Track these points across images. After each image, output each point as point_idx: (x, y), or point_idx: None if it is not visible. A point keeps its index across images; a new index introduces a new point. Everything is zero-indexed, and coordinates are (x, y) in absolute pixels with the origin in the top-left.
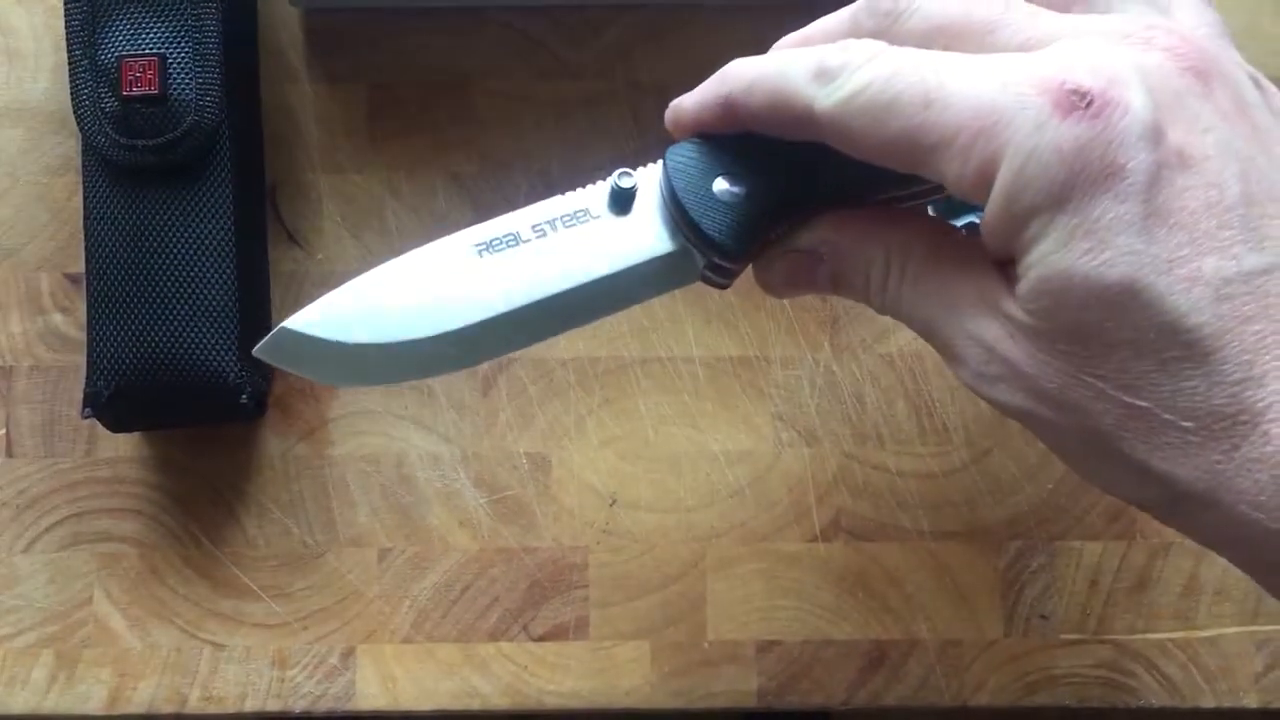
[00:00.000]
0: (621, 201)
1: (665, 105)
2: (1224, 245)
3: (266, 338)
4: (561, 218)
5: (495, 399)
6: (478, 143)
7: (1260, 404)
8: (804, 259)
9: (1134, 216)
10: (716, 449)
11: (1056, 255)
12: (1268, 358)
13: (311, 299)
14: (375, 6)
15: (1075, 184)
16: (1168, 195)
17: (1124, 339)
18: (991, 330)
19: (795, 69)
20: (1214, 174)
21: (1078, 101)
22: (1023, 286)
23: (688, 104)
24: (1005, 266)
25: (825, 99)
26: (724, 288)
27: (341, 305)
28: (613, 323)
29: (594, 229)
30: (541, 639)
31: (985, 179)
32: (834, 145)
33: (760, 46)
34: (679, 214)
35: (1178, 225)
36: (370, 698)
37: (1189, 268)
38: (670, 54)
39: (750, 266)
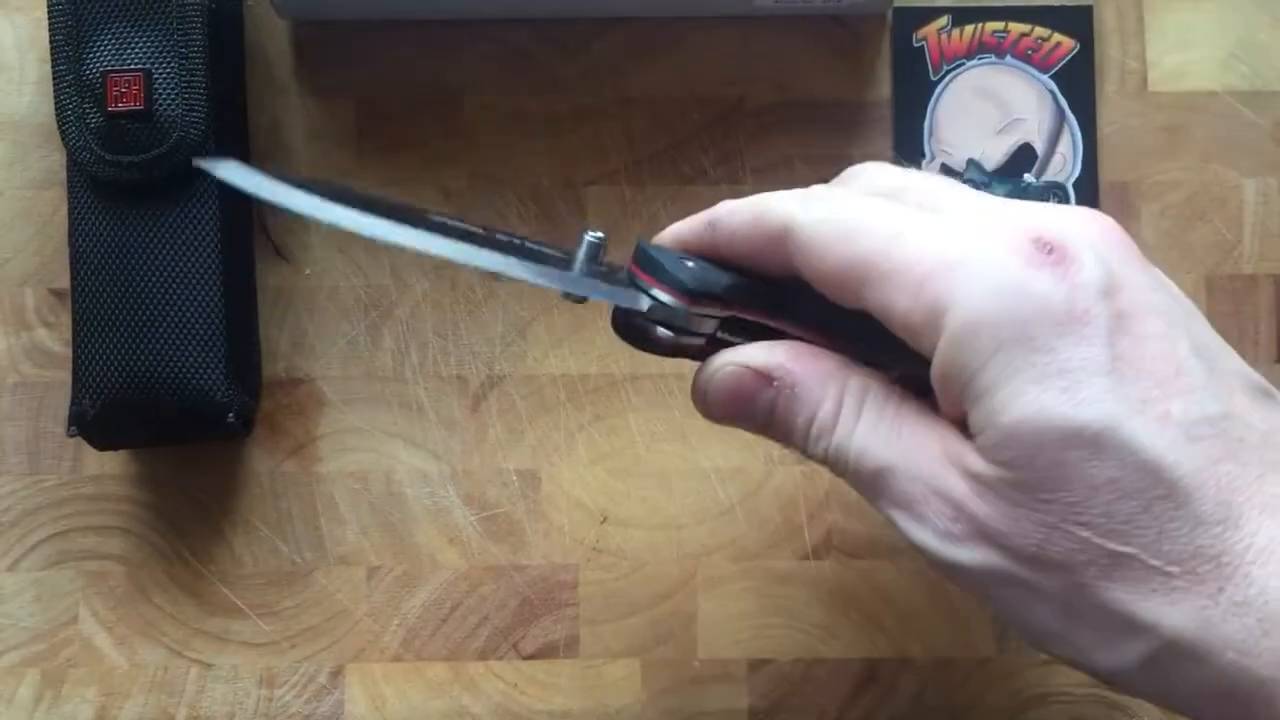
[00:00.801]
0: (592, 253)
1: (656, 119)
2: (1186, 390)
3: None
4: (529, 241)
5: (484, 415)
6: (467, 157)
7: (1240, 545)
8: (751, 378)
9: (1103, 359)
10: (707, 466)
11: (1028, 397)
12: (1240, 499)
13: (300, 315)
14: (364, 20)
15: (1042, 326)
16: (1129, 343)
17: (1107, 479)
18: (959, 487)
19: (781, 194)
20: (1164, 328)
21: (1042, 250)
22: (989, 436)
23: (670, 227)
24: (956, 423)
25: (804, 213)
26: (656, 346)
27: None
28: (603, 339)
29: (551, 258)
30: (531, 657)
31: (934, 315)
32: (800, 262)
33: (750, 60)
34: (639, 257)
35: (1143, 370)
36: (359, 717)
37: (1160, 408)
38: (661, 68)
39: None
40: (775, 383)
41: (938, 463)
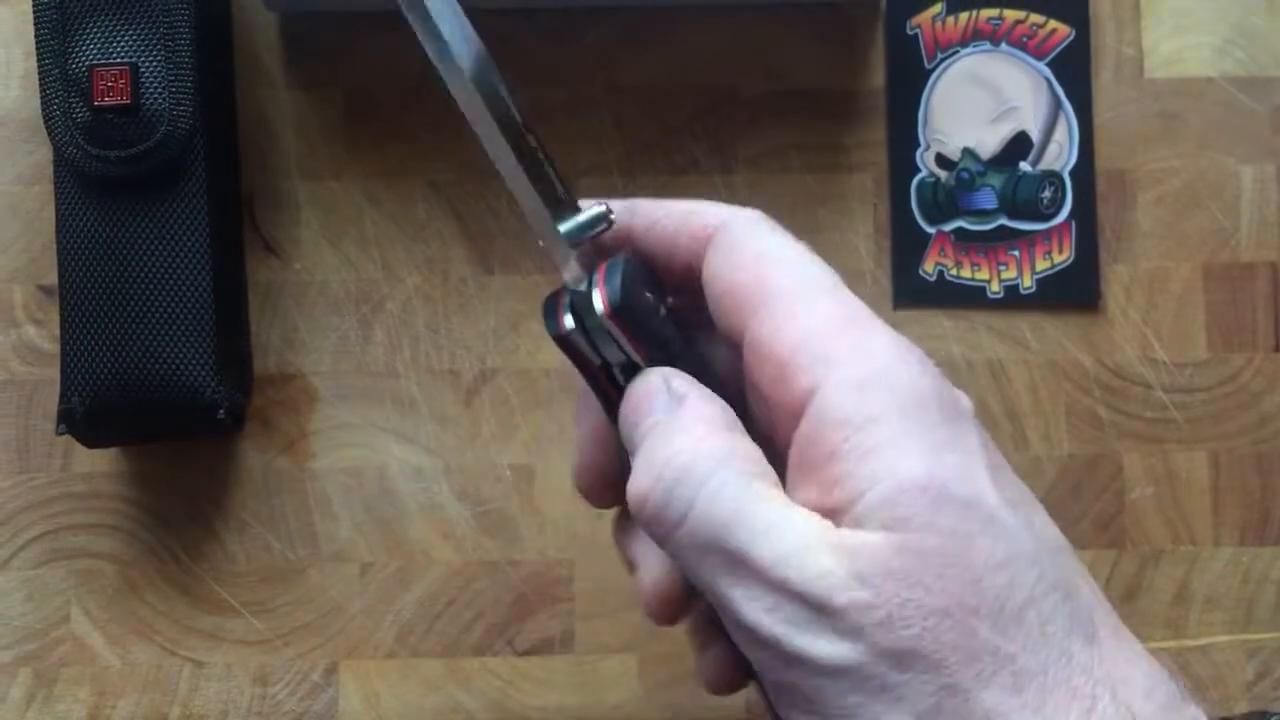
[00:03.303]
0: (590, 222)
1: (647, 108)
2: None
3: None
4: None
5: (478, 410)
6: (456, 149)
7: (1103, 668)
8: (656, 384)
9: (983, 460)
10: None
11: (928, 458)
12: (1099, 620)
13: (290, 310)
14: (352, 12)
15: (935, 407)
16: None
17: (1002, 559)
18: (830, 566)
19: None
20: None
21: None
22: (879, 493)
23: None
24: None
25: (741, 217)
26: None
27: None
28: None
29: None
30: (526, 653)
31: (822, 364)
32: (713, 264)
33: (743, 49)
34: (617, 260)
35: (1013, 484)
36: (353, 714)
37: (1041, 516)
38: (652, 57)
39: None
40: (670, 388)
41: (807, 537)
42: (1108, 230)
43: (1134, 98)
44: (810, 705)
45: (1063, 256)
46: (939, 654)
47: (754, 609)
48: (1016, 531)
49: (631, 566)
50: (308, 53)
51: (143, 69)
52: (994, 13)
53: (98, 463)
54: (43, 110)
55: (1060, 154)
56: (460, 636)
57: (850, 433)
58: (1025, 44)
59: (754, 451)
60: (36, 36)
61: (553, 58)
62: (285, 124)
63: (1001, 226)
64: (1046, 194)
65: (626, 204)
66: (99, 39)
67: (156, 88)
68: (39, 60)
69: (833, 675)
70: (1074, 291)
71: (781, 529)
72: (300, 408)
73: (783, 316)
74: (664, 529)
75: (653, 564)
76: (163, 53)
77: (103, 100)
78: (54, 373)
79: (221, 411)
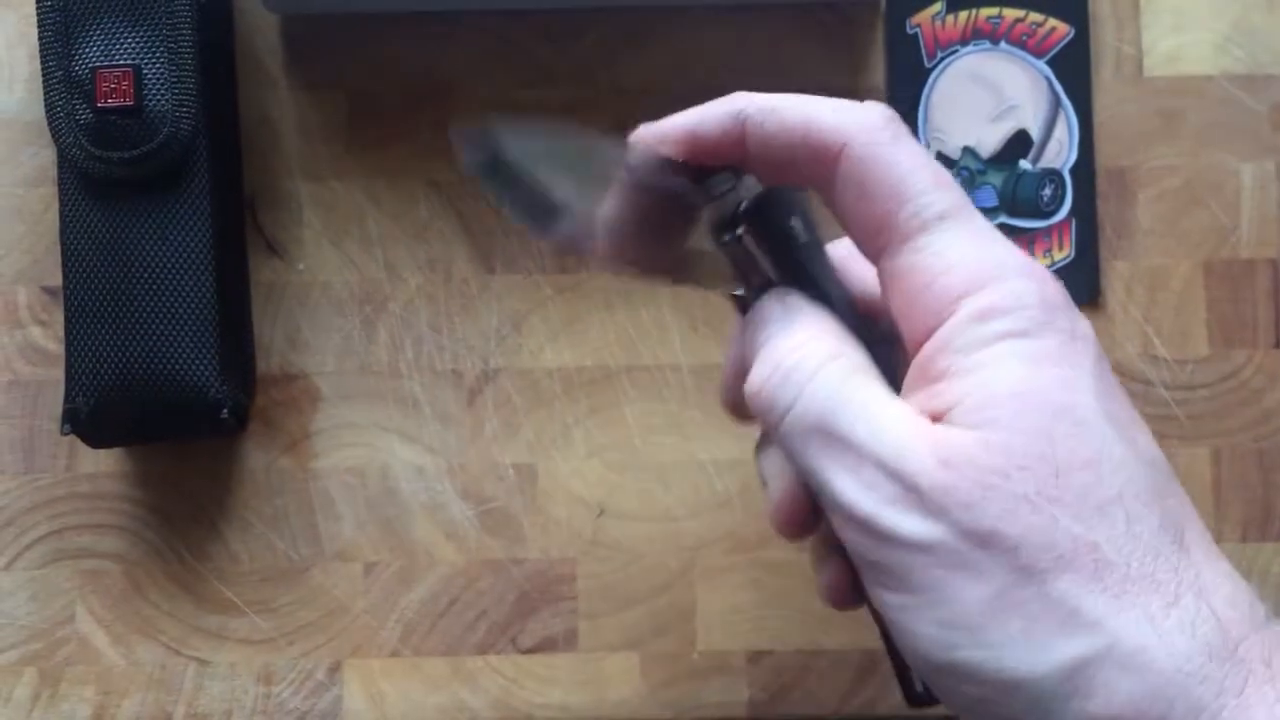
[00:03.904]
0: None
1: (648, 110)
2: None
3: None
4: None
5: (480, 409)
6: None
7: (1191, 571)
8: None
9: (1091, 376)
10: (705, 458)
11: (1025, 371)
12: (1185, 529)
13: (293, 310)
14: (354, 13)
15: (1054, 325)
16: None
17: (1089, 457)
18: (922, 451)
19: (830, 104)
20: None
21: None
22: (975, 398)
23: (681, 117)
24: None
25: (876, 137)
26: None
27: None
28: (599, 331)
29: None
30: (530, 651)
31: (957, 292)
32: (847, 190)
33: (743, 49)
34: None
35: (1124, 404)
36: (357, 713)
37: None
38: (653, 58)
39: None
40: (785, 304)
41: (901, 424)
42: (1108, 228)
43: (1134, 96)
44: (898, 582)
45: (1063, 254)
46: (1017, 537)
47: (850, 486)
48: (1108, 437)
49: (764, 482)
50: (309, 54)
51: (146, 71)
52: (993, 11)
53: (102, 463)
54: (46, 112)
55: (1060, 152)
56: (464, 635)
57: (962, 358)
58: (1025, 42)
59: (860, 357)
60: (40, 39)
61: (553, 59)
62: (287, 125)
63: (1002, 224)
64: (1047, 192)
65: (729, 111)
66: (102, 41)
67: (159, 89)
68: (42, 62)
69: (918, 551)
70: (1074, 289)
71: (879, 416)
72: (303, 408)
73: (909, 252)
74: (775, 416)
75: (780, 479)
76: (165, 55)
77: (106, 102)
78: (58, 373)
79: (225, 411)
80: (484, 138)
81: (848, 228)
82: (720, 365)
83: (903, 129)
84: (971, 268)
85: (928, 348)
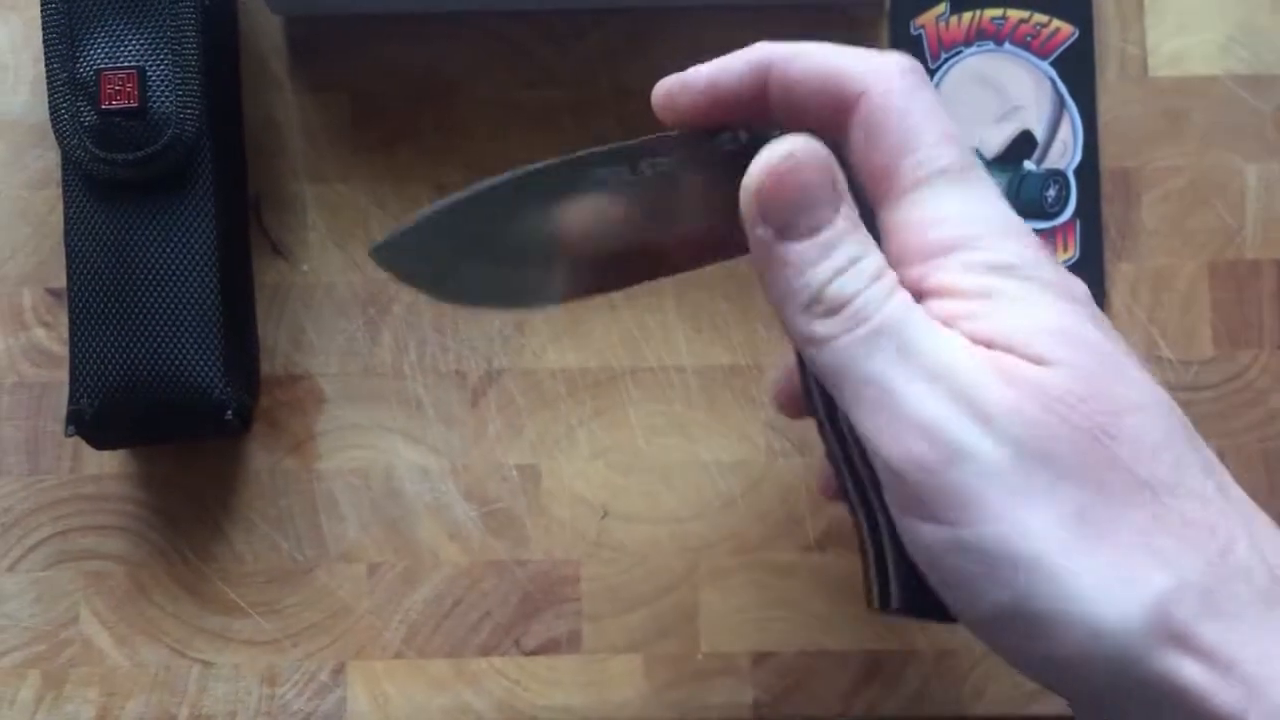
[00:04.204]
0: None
1: (653, 110)
2: None
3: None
4: None
5: (484, 410)
6: (462, 151)
7: (1229, 522)
8: (822, 167)
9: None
10: (708, 459)
11: (1059, 314)
12: (1224, 477)
13: (297, 311)
14: (357, 14)
15: (1060, 284)
16: None
17: (1139, 400)
18: (983, 370)
19: (852, 52)
20: None
21: None
22: (1022, 331)
23: (703, 66)
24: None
25: (896, 84)
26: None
27: None
28: (603, 333)
29: None
30: (534, 653)
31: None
32: (869, 135)
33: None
34: None
35: None
36: (361, 715)
37: None
38: (657, 59)
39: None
40: (844, 202)
41: (967, 349)
42: (1112, 229)
43: (1138, 96)
44: (957, 511)
45: (1067, 255)
46: (1083, 467)
47: (924, 397)
48: (1146, 382)
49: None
50: (314, 56)
51: (150, 73)
52: (998, 12)
53: (106, 464)
54: (51, 114)
55: (1064, 153)
56: (467, 636)
57: (982, 299)
58: (1029, 43)
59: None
60: (44, 41)
61: (556, 59)
62: (292, 127)
63: None
64: (1051, 193)
65: (751, 61)
66: (106, 43)
67: (164, 91)
68: (47, 65)
69: (984, 473)
70: None
71: (947, 338)
72: (307, 409)
73: (907, 205)
74: (850, 319)
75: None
76: (170, 56)
77: (110, 104)
78: (63, 375)
79: (229, 413)
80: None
81: (859, 180)
82: (723, 366)
83: (922, 79)
84: (966, 223)
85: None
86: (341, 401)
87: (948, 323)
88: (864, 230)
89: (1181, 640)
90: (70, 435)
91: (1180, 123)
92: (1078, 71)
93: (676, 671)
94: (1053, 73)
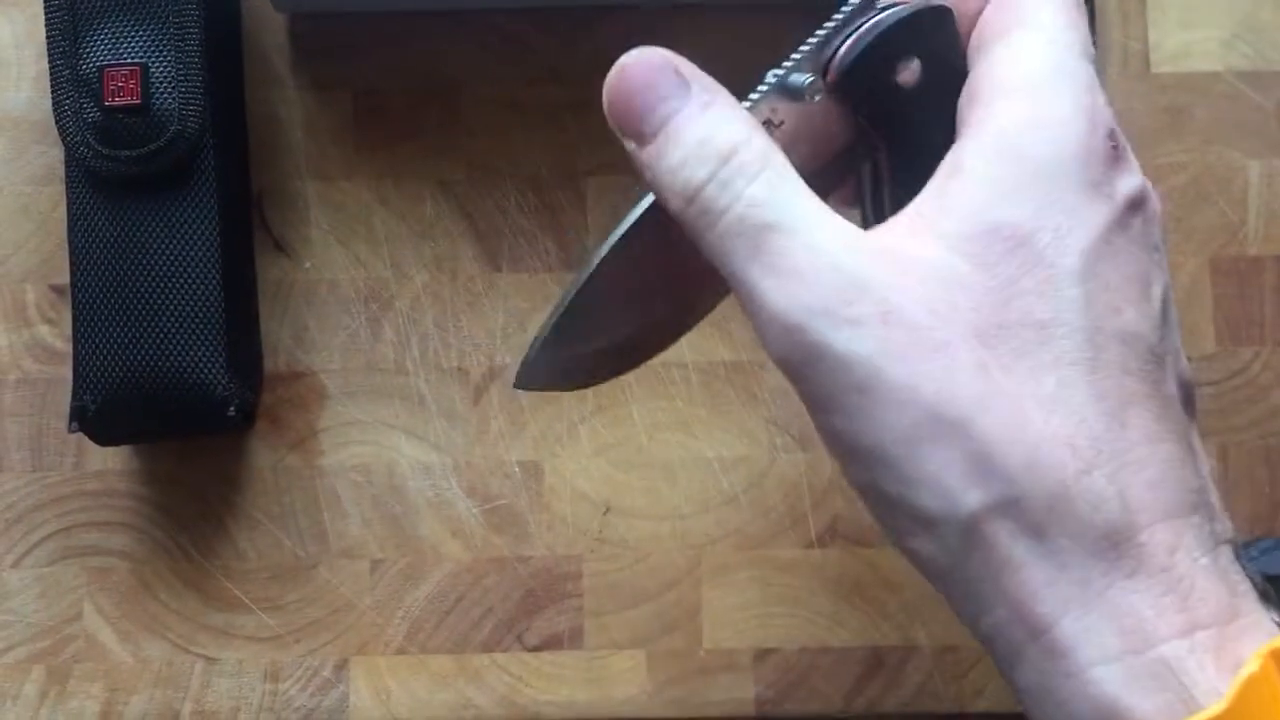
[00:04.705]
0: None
1: None
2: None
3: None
4: None
5: (486, 407)
6: (466, 149)
7: (1118, 446)
8: (670, 70)
9: (1107, 231)
10: (710, 455)
11: (1029, 212)
12: (1136, 409)
13: (300, 308)
14: (361, 12)
15: (1079, 175)
16: (1115, 250)
17: (1043, 319)
18: (874, 265)
19: None
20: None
21: (1111, 139)
22: (961, 221)
23: None
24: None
25: None
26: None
27: None
28: None
29: None
30: (536, 649)
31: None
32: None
33: (748, 47)
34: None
35: (1111, 284)
36: (364, 710)
37: (1113, 308)
38: None
39: None
40: (693, 88)
41: (859, 244)
42: None
43: (1140, 93)
44: (821, 401)
45: None
46: (949, 370)
47: (777, 288)
48: (1073, 302)
49: None
50: (317, 53)
51: (153, 69)
52: None
53: (110, 461)
54: (54, 111)
55: None
56: (470, 632)
57: (973, 174)
58: None
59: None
60: (47, 38)
61: (560, 57)
62: (295, 124)
63: None
64: None
65: None
66: (109, 40)
67: (166, 88)
68: (50, 61)
69: (840, 369)
70: None
71: (837, 229)
72: (310, 405)
73: (988, 64)
74: (702, 213)
75: None
76: (173, 53)
77: (113, 100)
78: (66, 371)
79: (232, 409)
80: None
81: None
82: (725, 363)
83: None
84: (1029, 93)
85: (950, 158)
86: (344, 398)
87: (950, 177)
88: (725, 108)
89: (1000, 550)
90: (74, 431)
91: (1182, 119)
92: None
93: (678, 667)
94: None
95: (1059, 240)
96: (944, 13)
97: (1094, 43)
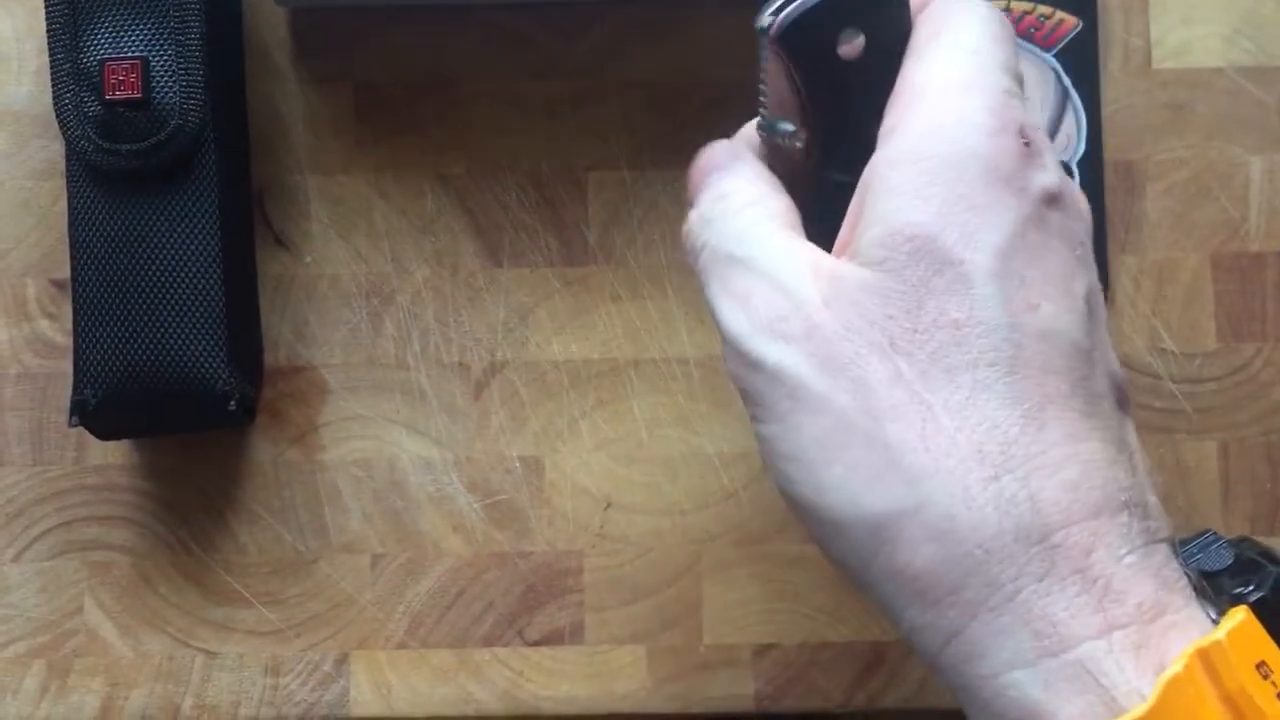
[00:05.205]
0: None
1: (657, 103)
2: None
3: None
4: None
5: (487, 402)
6: (466, 143)
7: (1033, 448)
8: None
9: (1024, 227)
10: (711, 451)
11: (931, 214)
12: (1054, 408)
13: (301, 302)
14: (362, 6)
15: (987, 168)
16: (1029, 246)
17: (956, 319)
18: (809, 290)
19: None
20: (1072, 265)
21: (1022, 138)
22: (875, 233)
23: None
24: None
25: None
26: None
27: None
28: (606, 324)
29: None
30: (537, 644)
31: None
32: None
33: (749, 41)
34: None
35: (1030, 279)
36: (364, 705)
37: (1027, 300)
38: (661, 51)
39: None
40: (736, 162)
41: (798, 267)
42: (1116, 221)
43: (1142, 88)
44: (763, 412)
45: None
46: (859, 380)
47: (730, 311)
48: (989, 299)
49: None
50: (318, 47)
51: (154, 63)
52: (1002, 4)
53: (111, 454)
54: (54, 105)
55: (1068, 145)
56: (470, 627)
57: (880, 184)
58: (1033, 35)
59: (785, 206)
60: (48, 31)
61: (560, 52)
62: (295, 118)
63: None
64: None
65: None
66: (110, 33)
67: (167, 82)
68: (50, 55)
69: (774, 379)
70: None
71: (782, 254)
72: (311, 400)
73: (910, 68)
74: (693, 255)
75: None
76: (174, 47)
77: (114, 94)
78: (67, 366)
79: (233, 403)
80: None
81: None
82: None
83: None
84: (938, 100)
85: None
86: (345, 393)
87: (862, 200)
88: (745, 166)
89: (902, 557)
90: (74, 426)
91: (1184, 115)
92: (1082, 63)
93: (679, 663)
94: (1057, 64)
95: (967, 237)
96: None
97: (1095, 38)
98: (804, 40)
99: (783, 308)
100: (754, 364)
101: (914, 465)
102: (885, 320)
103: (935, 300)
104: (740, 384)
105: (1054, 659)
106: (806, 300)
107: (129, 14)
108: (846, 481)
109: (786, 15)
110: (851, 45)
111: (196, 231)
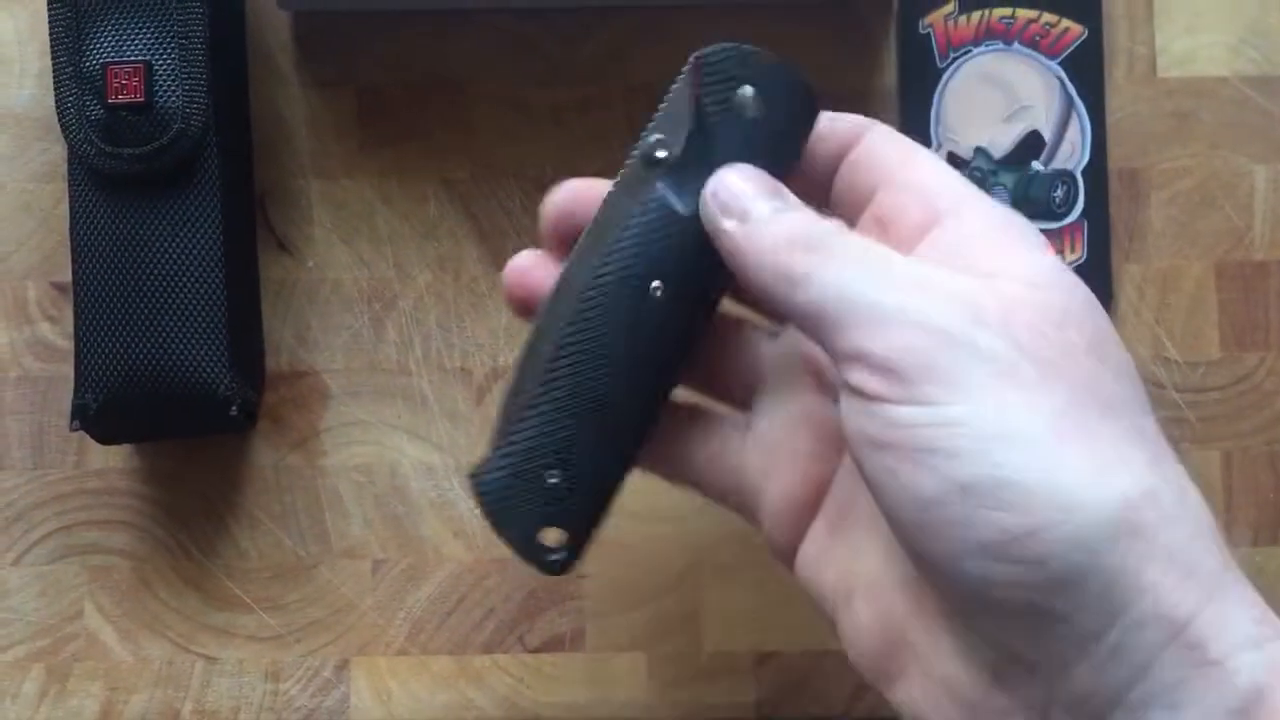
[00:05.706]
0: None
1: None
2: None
3: None
4: None
5: (489, 407)
6: (469, 148)
7: (1177, 469)
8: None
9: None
10: None
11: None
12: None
13: (303, 307)
14: (365, 10)
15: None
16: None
17: (1119, 339)
18: (977, 286)
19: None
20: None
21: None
22: (1013, 265)
23: None
24: None
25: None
26: None
27: None
28: None
29: None
30: (537, 650)
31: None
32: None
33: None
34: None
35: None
36: (364, 711)
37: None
38: (665, 55)
39: None
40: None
41: (944, 271)
42: (1120, 230)
43: (1147, 97)
44: (945, 390)
45: (1075, 256)
46: (1072, 375)
47: (913, 300)
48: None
49: None
50: (321, 52)
51: (156, 67)
52: (1007, 12)
53: (111, 459)
54: (57, 108)
55: (1073, 153)
56: (471, 633)
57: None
58: (1038, 43)
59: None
60: (51, 35)
61: (564, 57)
62: (298, 122)
63: None
64: (1059, 193)
65: None
66: (113, 37)
67: (170, 85)
68: (53, 58)
69: (977, 358)
70: None
71: (924, 263)
72: (312, 405)
73: (948, 217)
74: (795, 285)
75: None
76: (176, 51)
77: (116, 98)
78: (68, 369)
79: (234, 408)
80: None
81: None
82: None
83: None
84: (1005, 251)
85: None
86: (346, 398)
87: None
88: (769, 178)
89: (1145, 539)
90: (75, 430)
91: (1189, 123)
92: (1086, 71)
93: (680, 670)
94: (1061, 73)
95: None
96: (805, 89)
97: (1100, 46)
98: (709, 74)
99: (973, 301)
100: (950, 342)
101: (1136, 459)
102: (1074, 326)
103: (1099, 318)
104: (921, 360)
105: (1273, 643)
106: (990, 299)
107: (132, 17)
108: (1082, 466)
109: (723, 49)
110: (743, 94)
111: (198, 236)
